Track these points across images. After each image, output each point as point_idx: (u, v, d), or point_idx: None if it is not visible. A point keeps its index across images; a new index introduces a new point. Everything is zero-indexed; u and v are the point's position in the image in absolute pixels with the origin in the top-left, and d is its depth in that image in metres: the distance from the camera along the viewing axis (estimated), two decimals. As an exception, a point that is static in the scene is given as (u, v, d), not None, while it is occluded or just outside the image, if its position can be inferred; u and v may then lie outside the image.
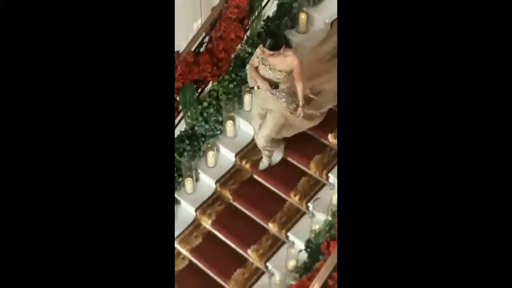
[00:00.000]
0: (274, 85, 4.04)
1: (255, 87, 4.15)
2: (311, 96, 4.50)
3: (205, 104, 4.85)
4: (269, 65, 3.95)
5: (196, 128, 4.84)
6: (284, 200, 4.61)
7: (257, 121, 4.42)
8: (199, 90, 4.89)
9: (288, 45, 3.93)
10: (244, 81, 4.93)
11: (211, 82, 4.91)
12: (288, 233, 4.43)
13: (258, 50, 4.02)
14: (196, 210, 4.74)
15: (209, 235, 4.68)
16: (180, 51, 4.61)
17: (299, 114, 4.16)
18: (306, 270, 4.04)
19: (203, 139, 4.84)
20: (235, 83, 4.88)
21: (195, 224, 4.76)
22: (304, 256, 4.18)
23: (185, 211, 4.80)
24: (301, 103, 4.11)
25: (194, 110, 4.81)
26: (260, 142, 4.41)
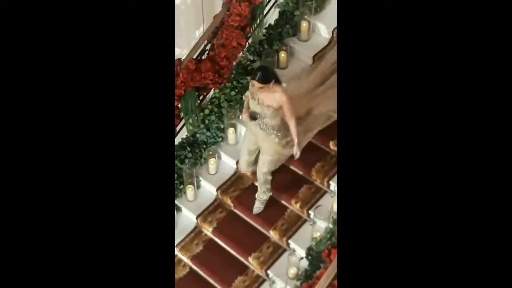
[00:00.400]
0: (252, 117, 4.04)
1: (242, 117, 4.15)
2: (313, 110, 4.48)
3: (206, 111, 4.86)
4: (258, 99, 3.95)
5: (197, 135, 4.85)
6: (285, 208, 4.61)
7: (245, 157, 4.38)
8: (201, 97, 4.90)
9: (278, 81, 3.91)
10: (246, 89, 4.94)
11: (212, 90, 4.92)
12: (289, 241, 4.43)
13: (250, 83, 4.02)
14: (197, 218, 4.74)
15: (210, 243, 4.68)
16: (182, 59, 4.62)
17: (296, 152, 4.09)
18: (307, 278, 4.03)
19: (204, 146, 4.84)
20: (236, 90, 4.89)
21: (196, 232, 4.75)
22: (305, 263, 4.17)
23: (186, 218, 4.80)
24: (296, 140, 4.03)
25: (196, 117, 4.82)
26: (261, 178, 4.39)
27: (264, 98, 3.92)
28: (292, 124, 3.96)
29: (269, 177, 4.38)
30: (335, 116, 4.48)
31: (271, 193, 4.53)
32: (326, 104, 4.54)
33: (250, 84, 4.05)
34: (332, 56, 4.85)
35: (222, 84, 4.87)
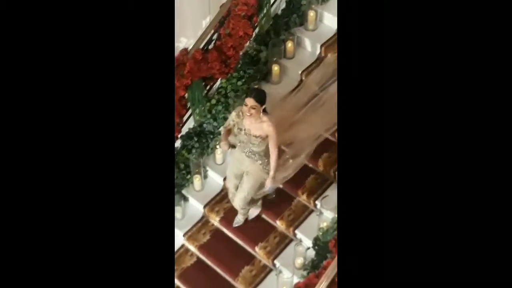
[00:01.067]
0: (231, 145, 4.09)
1: (229, 149, 4.15)
2: (286, 150, 4.41)
3: (213, 101, 4.87)
4: (245, 130, 3.91)
5: (204, 125, 4.86)
6: (292, 198, 4.62)
7: (232, 181, 4.33)
8: (208, 87, 4.90)
9: (265, 111, 3.87)
10: (253, 79, 4.94)
11: (219, 80, 4.92)
12: (296, 231, 4.44)
13: (233, 114, 3.99)
14: (204, 207, 4.76)
15: (217, 232, 4.70)
16: (188, 49, 4.62)
17: (267, 185, 4.09)
18: (313, 268, 4.05)
19: (211, 136, 4.85)
20: (243, 80, 4.89)
21: (203, 221, 4.78)
22: (311, 253, 4.19)
23: (193, 208, 4.82)
24: (272, 173, 4.01)
25: (203, 107, 4.83)
26: (237, 204, 4.37)
27: (252, 128, 3.88)
28: (273, 156, 3.94)
29: (248, 198, 4.31)
30: (324, 135, 4.46)
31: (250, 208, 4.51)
32: (314, 126, 4.48)
33: (234, 114, 3.98)
34: (316, 75, 4.81)
35: (229, 74, 4.86)
